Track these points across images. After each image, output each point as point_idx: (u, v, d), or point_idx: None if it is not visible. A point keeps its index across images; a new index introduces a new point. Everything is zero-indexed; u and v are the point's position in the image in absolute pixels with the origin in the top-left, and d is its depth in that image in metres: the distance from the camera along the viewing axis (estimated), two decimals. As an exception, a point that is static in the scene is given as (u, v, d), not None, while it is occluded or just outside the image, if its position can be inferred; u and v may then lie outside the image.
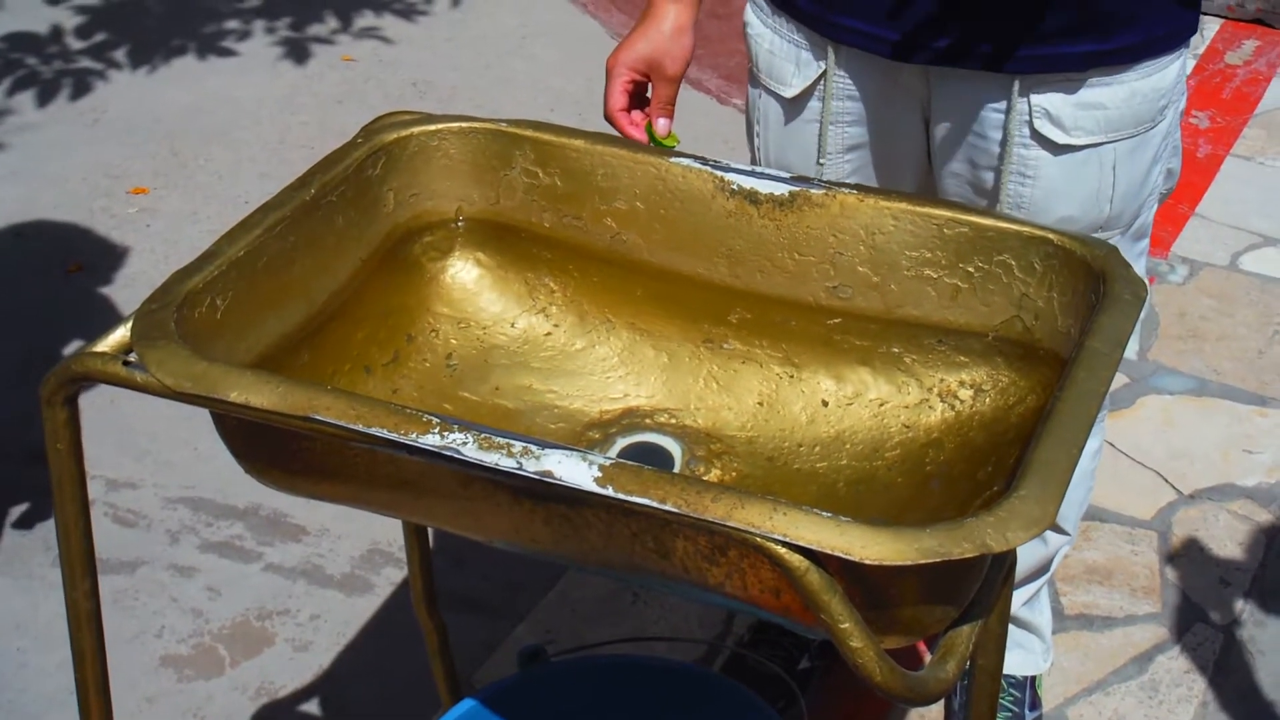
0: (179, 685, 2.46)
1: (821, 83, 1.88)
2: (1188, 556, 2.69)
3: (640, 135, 1.82)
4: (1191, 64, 4.30)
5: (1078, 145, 1.79)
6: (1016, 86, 1.76)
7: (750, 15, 1.97)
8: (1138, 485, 2.85)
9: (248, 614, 2.60)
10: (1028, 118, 1.78)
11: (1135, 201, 1.87)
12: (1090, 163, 1.81)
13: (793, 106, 1.93)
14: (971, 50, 1.75)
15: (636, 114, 1.84)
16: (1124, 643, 2.52)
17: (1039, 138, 1.79)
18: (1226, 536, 2.73)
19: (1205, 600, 2.60)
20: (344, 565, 2.69)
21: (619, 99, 1.84)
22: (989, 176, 1.83)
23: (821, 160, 1.91)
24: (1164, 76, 1.80)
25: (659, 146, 1.77)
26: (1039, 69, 1.75)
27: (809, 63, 1.89)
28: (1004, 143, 1.79)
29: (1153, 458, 2.92)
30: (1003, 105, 1.78)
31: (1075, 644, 2.52)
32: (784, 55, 1.91)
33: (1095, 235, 1.78)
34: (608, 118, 1.85)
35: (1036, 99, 1.77)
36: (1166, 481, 2.86)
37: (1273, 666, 2.47)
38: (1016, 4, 1.71)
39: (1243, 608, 2.58)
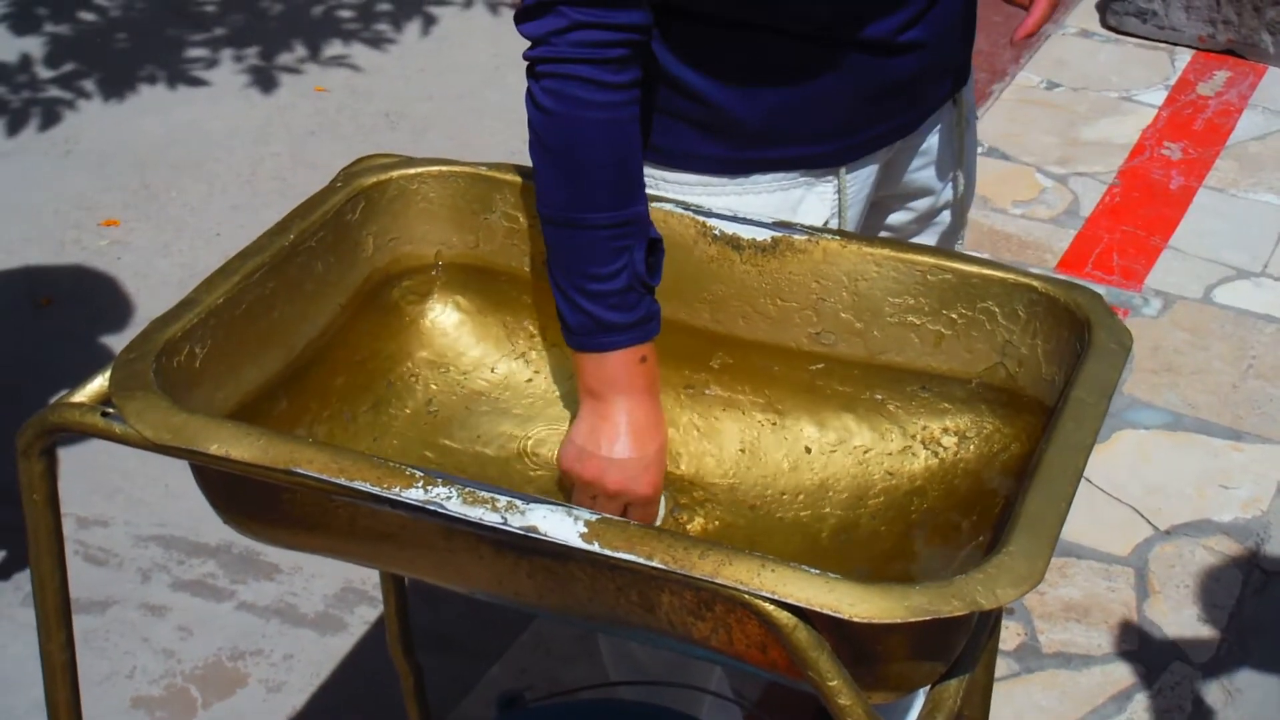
0: (151, 727, 2.44)
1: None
2: (1165, 594, 2.69)
3: None
4: (1163, 95, 4.31)
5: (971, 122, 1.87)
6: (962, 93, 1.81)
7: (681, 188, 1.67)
8: (1114, 521, 2.85)
9: (220, 654, 2.57)
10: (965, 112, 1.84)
11: None
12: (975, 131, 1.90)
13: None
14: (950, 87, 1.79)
15: None
16: (1102, 681, 2.52)
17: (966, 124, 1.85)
18: (1203, 573, 2.73)
19: (1183, 638, 2.59)
20: (318, 604, 2.67)
21: None
22: (946, 174, 1.86)
23: None
24: None
25: None
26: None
27: (800, 199, 1.68)
28: (959, 139, 1.83)
29: (1128, 493, 2.92)
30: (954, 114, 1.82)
31: (1053, 682, 2.52)
32: (761, 206, 1.65)
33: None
34: None
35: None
36: (1143, 517, 2.86)
37: (1250, 705, 2.46)
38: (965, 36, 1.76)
39: (1220, 646, 2.58)
